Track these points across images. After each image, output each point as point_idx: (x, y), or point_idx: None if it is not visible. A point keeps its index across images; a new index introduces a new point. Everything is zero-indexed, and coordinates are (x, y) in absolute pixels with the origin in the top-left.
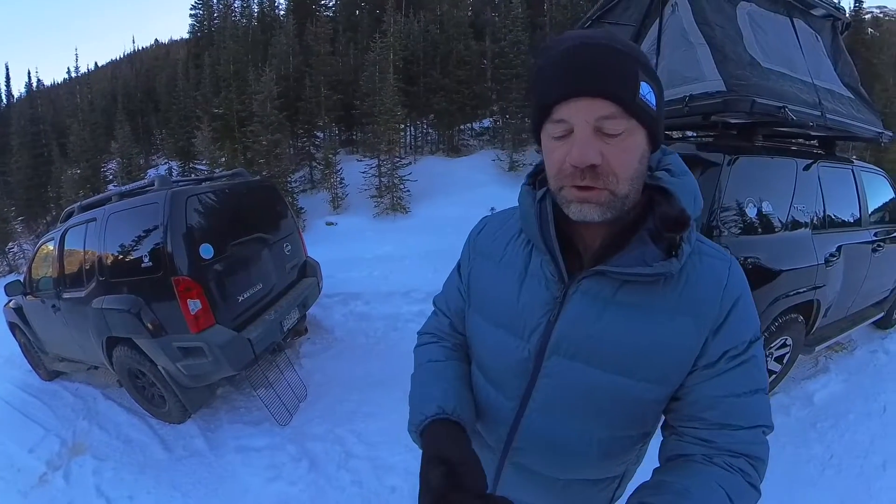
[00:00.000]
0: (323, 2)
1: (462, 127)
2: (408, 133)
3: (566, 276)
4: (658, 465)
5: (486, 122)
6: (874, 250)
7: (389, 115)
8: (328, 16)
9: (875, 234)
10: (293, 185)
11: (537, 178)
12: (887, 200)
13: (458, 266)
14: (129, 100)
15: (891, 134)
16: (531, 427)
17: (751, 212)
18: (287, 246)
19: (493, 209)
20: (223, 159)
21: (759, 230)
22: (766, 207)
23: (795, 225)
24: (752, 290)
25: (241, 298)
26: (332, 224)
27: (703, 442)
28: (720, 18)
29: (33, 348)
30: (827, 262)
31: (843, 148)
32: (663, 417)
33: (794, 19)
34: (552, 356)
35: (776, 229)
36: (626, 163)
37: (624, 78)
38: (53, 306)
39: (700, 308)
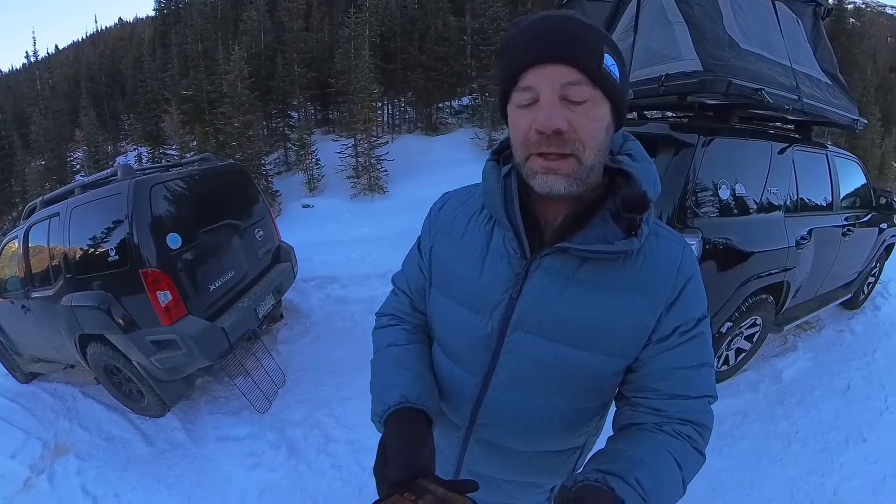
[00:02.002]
0: None
1: (440, 105)
2: (385, 111)
3: (529, 252)
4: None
5: (465, 100)
6: (844, 234)
7: (365, 94)
8: None
9: (846, 219)
10: (268, 167)
11: (502, 154)
12: (859, 186)
13: (419, 243)
14: (94, 84)
15: (866, 121)
16: (495, 402)
17: (724, 193)
18: (259, 231)
19: None
20: (194, 143)
21: (733, 212)
22: (740, 189)
23: (768, 208)
24: (724, 271)
25: (212, 287)
26: (309, 206)
27: (655, 411)
28: None
29: (7, 351)
30: (798, 244)
31: (818, 133)
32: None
33: (776, 2)
34: (515, 331)
35: (749, 211)
36: (592, 131)
37: (588, 46)
38: (23, 307)
39: (655, 286)
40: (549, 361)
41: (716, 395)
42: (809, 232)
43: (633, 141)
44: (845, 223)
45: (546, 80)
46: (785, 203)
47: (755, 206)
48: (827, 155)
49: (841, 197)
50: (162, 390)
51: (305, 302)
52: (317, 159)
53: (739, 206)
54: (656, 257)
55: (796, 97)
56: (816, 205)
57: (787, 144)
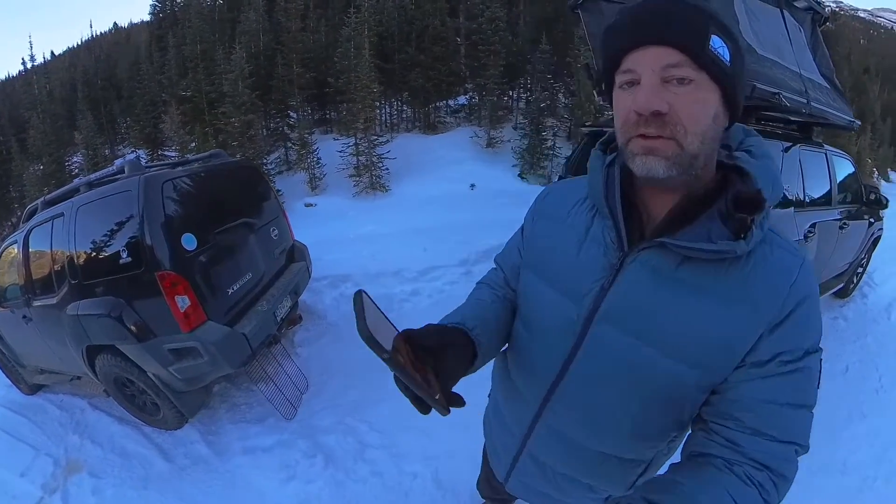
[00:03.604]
0: None
1: (438, 104)
2: (384, 111)
3: (626, 243)
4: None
5: (462, 100)
6: (841, 227)
7: (366, 92)
8: None
9: (840, 213)
10: (269, 166)
11: (609, 145)
12: (852, 183)
13: (522, 227)
14: (90, 88)
15: (859, 122)
16: (569, 390)
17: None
18: (274, 230)
19: (473, 185)
20: (193, 144)
21: None
22: None
23: (782, 203)
24: None
25: (230, 291)
26: (312, 205)
27: (731, 445)
28: (720, 4)
29: (10, 362)
30: (805, 237)
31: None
32: None
33: (783, 10)
34: (601, 322)
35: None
36: (694, 114)
37: (691, 27)
38: (24, 317)
39: (761, 300)
40: (629, 359)
41: (807, 445)
42: (813, 226)
43: (755, 136)
44: (840, 217)
45: (646, 63)
46: (794, 199)
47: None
48: (826, 153)
49: (838, 192)
50: (180, 401)
51: (319, 302)
52: (318, 158)
53: None
54: (767, 268)
55: (806, 101)
56: (818, 200)
57: (792, 144)
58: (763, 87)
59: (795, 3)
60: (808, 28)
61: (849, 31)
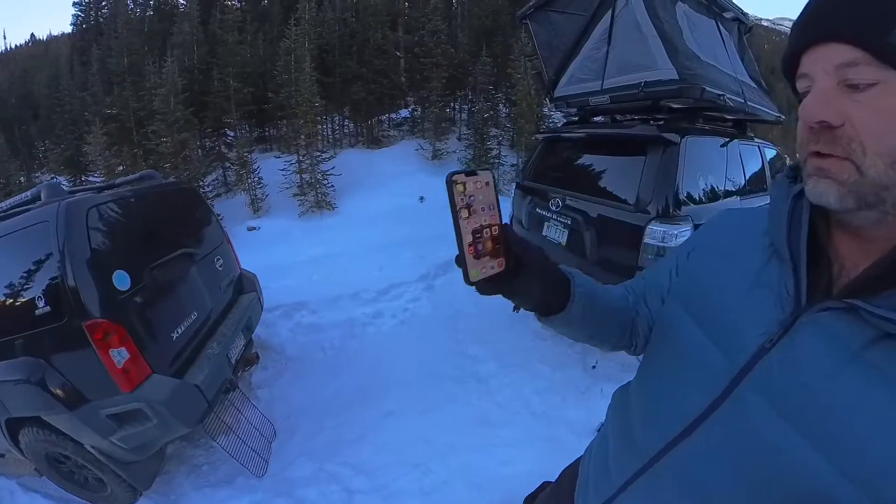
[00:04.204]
0: None
1: (381, 118)
2: (326, 126)
3: (805, 297)
4: None
5: (405, 112)
6: (729, 211)
7: (308, 106)
8: (234, 5)
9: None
10: (206, 189)
11: (800, 173)
12: (779, 168)
13: (677, 255)
14: (3, 107)
15: (784, 116)
16: (687, 456)
17: (702, 183)
18: (218, 259)
19: (422, 198)
20: (122, 168)
21: (708, 199)
22: (712, 178)
23: (730, 192)
24: None
25: (175, 335)
26: (255, 229)
27: None
28: (666, 15)
29: None
30: None
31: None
32: None
33: (717, 21)
34: (751, 390)
35: (718, 197)
36: (879, 129)
37: (866, 14)
38: None
39: None
40: (773, 446)
41: None
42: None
43: None
44: None
45: (818, 64)
46: (739, 187)
47: (721, 192)
48: (759, 146)
49: (770, 180)
50: (129, 473)
51: (275, 335)
52: (259, 178)
53: (712, 193)
54: None
55: (743, 100)
56: (757, 188)
57: (732, 139)
58: (710, 90)
59: (725, 15)
60: (735, 36)
61: (755, 38)
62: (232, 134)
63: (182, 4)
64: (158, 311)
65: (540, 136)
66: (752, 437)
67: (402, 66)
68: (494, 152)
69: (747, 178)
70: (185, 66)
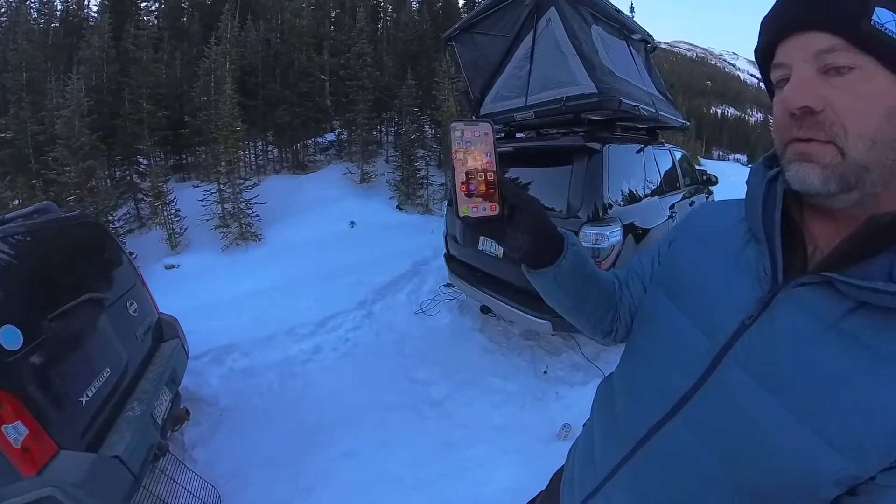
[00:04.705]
0: (144, 3)
1: (306, 142)
2: (248, 152)
3: (781, 275)
4: None
5: (330, 136)
6: (690, 204)
7: (229, 131)
8: (150, 20)
9: (686, 193)
10: (116, 224)
11: (775, 161)
12: (690, 169)
13: (659, 244)
14: None
15: (689, 123)
16: (672, 438)
17: (624, 186)
18: (131, 304)
19: (352, 223)
20: (17, 201)
21: (631, 200)
22: (633, 182)
23: (649, 193)
24: (638, 244)
25: (84, 399)
26: (173, 267)
27: None
28: (583, 35)
29: None
30: (670, 216)
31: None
32: None
33: (627, 41)
34: (732, 364)
35: (640, 198)
36: (857, 111)
37: (843, 3)
38: None
39: None
40: (755, 417)
41: None
42: (672, 206)
43: None
44: (685, 196)
45: (796, 52)
46: (656, 188)
47: (642, 194)
48: (669, 150)
49: (682, 178)
50: None
51: (205, 385)
52: (176, 210)
53: (634, 195)
54: None
55: (655, 110)
56: (671, 187)
57: (646, 144)
58: (626, 101)
59: (633, 36)
60: (643, 55)
61: (657, 57)
62: (145, 162)
63: (92, 17)
64: (62, 372)
65: None
66: (736, 413)
67: (328, 89)
68: (423, 173)
69: (662, 178)
70: (92, 84)
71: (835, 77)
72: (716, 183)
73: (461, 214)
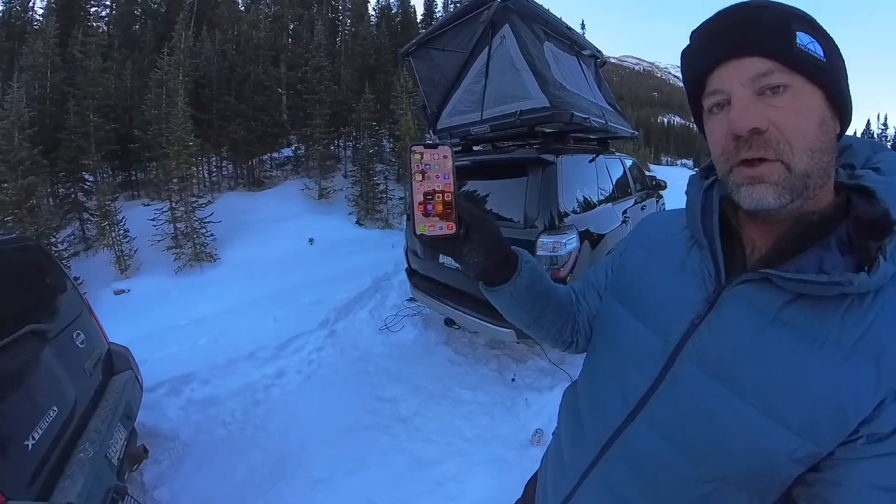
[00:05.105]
0: (94, 8)
1: (262, 158)
2: (202, 168)
3: (724, 275)
4: None
5: (287, 151)
6: (641, 209)
7: (181, 146)
8: (100, 27)
9: (637, 199)
10: (59, 246)
11: (710, 171)
12: (640, 176)
13: (616, 249)
14: None
15: (637, 133)
16: (635, 438)
17: (578, 195)
18: (78, 335)
19: (311, 240)
20: None
21: (587, 207)
22: (586, 190)
23: (602, 201)
24: (594, 250)
25: (30, 443)
26: (123, 292)
27: None
28: (536, 51)
29: None
30: (624, 222)
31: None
32: None
33: (577, 57)
34: (686, 362)
35: (594, 205)
36: (798, 127)
37: (771, 28)
38: None
39: (889, 354)
40: (713, 411)
41: None
42: (624, 212)
43: (886, 151)
44: (637, 201)
45: (734, 78)
46: (609, 195)
47: (595, 201)
48: (620, 158)
49: (632, 184)
50: None
51: (163, 419)
52: (125, 230)
53: (588, 203)
54: None
55: (605, 122)
56: (623, 193)
57: (598, 154)
58: (578, 114)
59: (583, 52)
60: (593, 70)
61: (607, 71)
62: (91, 179)
63: (37, 20)
64: (3, 414)
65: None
66: (693, 407)
67: (285, 103)
68: (382, 187)
69: (615, 185)
70: (35, 94)
71: (772, 97)
72: (665, 187)
73: (418, 232)
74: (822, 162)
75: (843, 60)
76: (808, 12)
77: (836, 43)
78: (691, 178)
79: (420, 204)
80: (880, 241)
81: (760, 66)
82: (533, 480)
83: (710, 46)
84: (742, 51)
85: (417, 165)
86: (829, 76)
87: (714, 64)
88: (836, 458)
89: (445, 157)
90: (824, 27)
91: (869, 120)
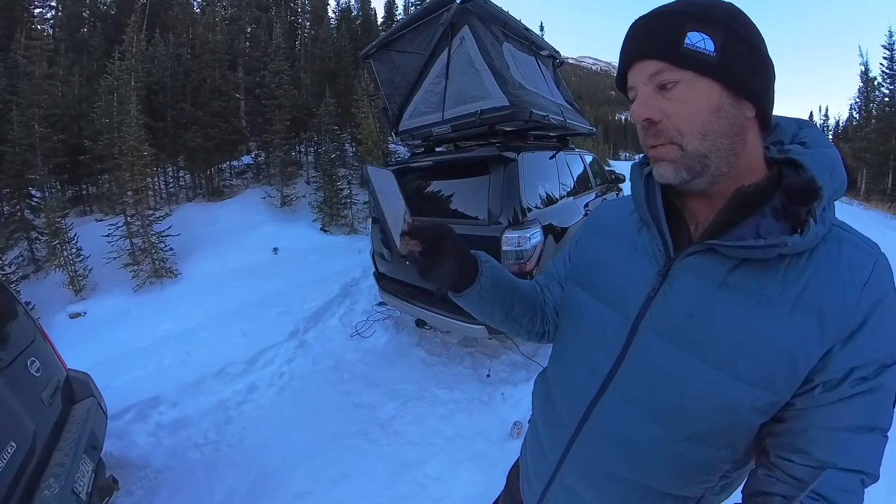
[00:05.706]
0: (38, 10)
1: (221, 166)
2: (158, 179)
3: (672, 249)
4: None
5: (247, 159)
6: (603, 202)
7: (135, 156)
8: (45, 30)
9: (598, 192)
10: (6, 269)
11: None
12: (599, 170)
13: (572, 238)
14: None
15: (596, 129)
16: (607, 410)
17: (541, 190)
18: (33, 362)
19: (276, 249)
20: None
21: (549, 202)
22: (548, 185)
23: (564, 195)
24: (557, 243)
25: None
26: (79, 315)
27: (795, 482)
28: (495, 52)
29: None
30: (586, 214)
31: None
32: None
33: (535, 57)
34: (646, 333)
35: (556, 200)
36: (687, 115)
37: (661, 33)
38: None
39: (828, 307)
40: (676, 374)
41: (877, 474)
42: (586, 205)
43: (811, 127)
44: (599, 195)
45: (637, 77)
46: (570, 190)
47: (557, 196)
48: (580, 154)
49: (593, 179)
50: None
51: (132, 447)
52: (78, 249)
53: (550, 198)
54: (834, 268)
55: (563, 119)
56: (584, 187)
57: (558, 150)
58: (537, 112)
59: (542, 53)
60: (551, 70)
61: (565, 71)
62: (39, 194)
63: None
64: None
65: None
66: (657, 374)
67: (243, 109)
68: (345, 192)
69: (576, 180)
70: None
71: (667, 92)
72: (624, 181)
73: (403, 253)
74: (719, 143)
75: (753, 48)
76: (717, 7)
77: (746, 33)
78: (633, 166)
79: (394, 226)
80: (809, 206)
81: (652, 67)
82: (515, 469)
83: (623, 52)
84: (638, 55)
85: (378, 194)
86: (721, 69)
87: (626, 66)
88: (798, 408)
89: (390, 182)
90: (734, 20)
91: (812, 112)
